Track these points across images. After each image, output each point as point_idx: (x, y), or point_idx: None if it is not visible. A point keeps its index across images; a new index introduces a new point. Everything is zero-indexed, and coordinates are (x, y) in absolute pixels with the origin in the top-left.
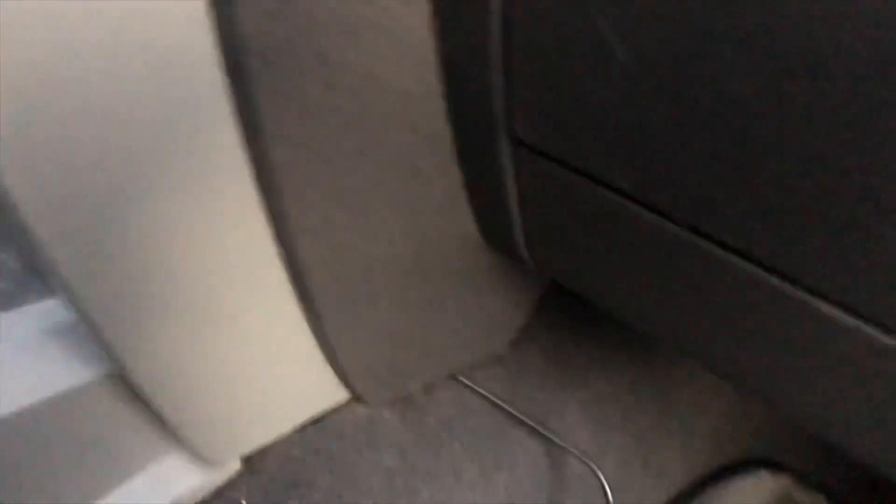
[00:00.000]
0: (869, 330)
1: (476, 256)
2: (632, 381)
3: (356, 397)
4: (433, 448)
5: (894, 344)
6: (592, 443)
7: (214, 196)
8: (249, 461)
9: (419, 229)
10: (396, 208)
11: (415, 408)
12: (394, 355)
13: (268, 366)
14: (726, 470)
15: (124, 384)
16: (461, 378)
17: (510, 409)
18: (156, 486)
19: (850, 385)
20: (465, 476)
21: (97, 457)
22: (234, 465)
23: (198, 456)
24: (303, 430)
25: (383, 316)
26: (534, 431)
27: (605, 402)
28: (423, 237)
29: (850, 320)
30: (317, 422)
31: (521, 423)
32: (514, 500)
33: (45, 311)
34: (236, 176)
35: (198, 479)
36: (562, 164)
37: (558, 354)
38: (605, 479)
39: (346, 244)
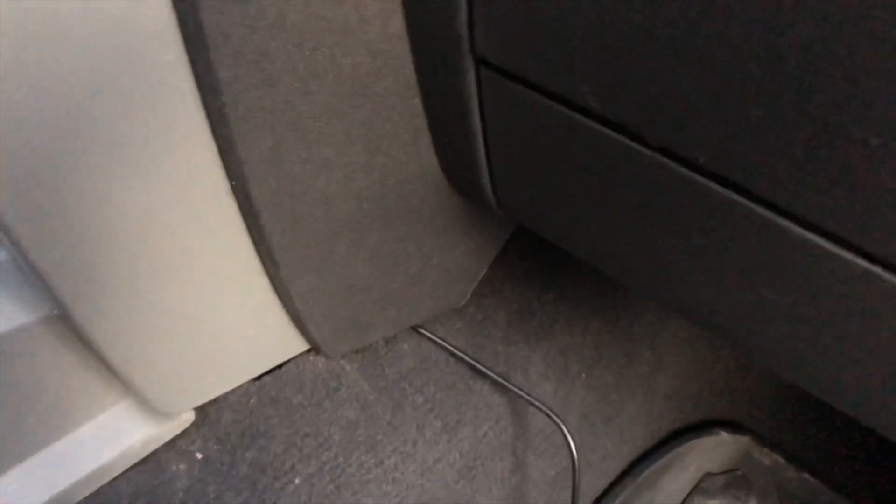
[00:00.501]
0: (847, 256)
1: (439, 199)
2: (595, 336)
3: (315, 348)
4: (395, 401)
5: (871, 269)
6: (556, 398)
7: (160, 124)
8: (204, 412)
9: (379, 164)
10: (354, 139)
11: (375, 360)
12: (353, 303)
13: (221, 312)
14: (687, 430)
15: (67, 327)
16: (422, 330)
17: (473, 362)
18: (104, 437)
19: (825, 317)
20: (428, 429)
21: (39, 405)
22: (188, 416)
23: (149, 406)
24: (259, 380)
25: (342, 260)
26: (497, 385)
27: (568, 357)
28: (382, 174)
29: (827, 245)
30: (274, 372)
31: (484, 376)
32: (477, 453)
33: None
34: (182, 101)
35: (149, 431)
36: (528, 85)
37: (521, 307)
38: (569, 434)
39: (301, 178)
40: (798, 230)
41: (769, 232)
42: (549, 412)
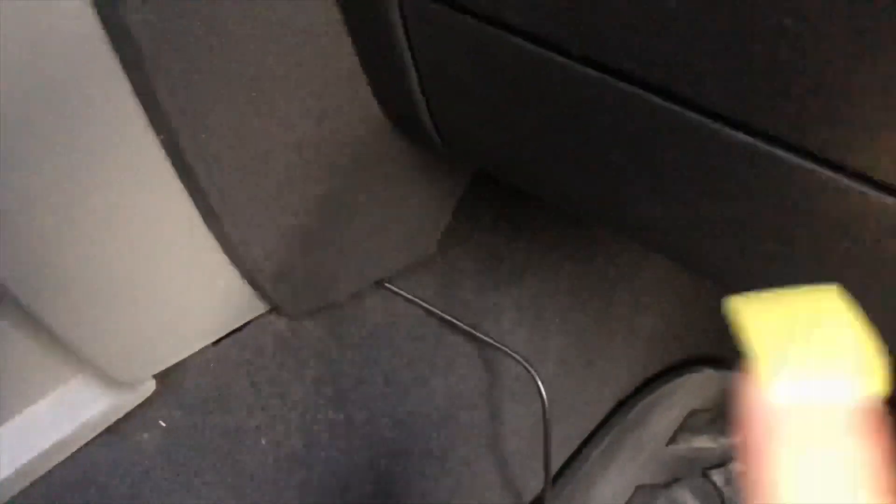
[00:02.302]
0: (780, 153)
1: (385, 145)
2: (569, 280)
3: (275, 308)
4: (362, 356)
5: (803, 164)
6: (530, 345)
7: (69, 74)
8: (165, 379)
9: (315, 110)
10: (285, 84)
11: (340, 317)
12: (311, 260)
13: (168, 275)
14: (671, 369)
15: (12, 300)
16: (389, 285)
17: (443, 315)
18: (62, 411)
19: (765, 221)
20: (398, 383)
21: None
22: (150, 385)
23: (107, 377)
24: (220, 344)
25: (290, 214)
26: (469, 336)
27: (541, 302)
28: (320, 120)
29: (759, 143)
30: (235, 335)
31: (456, 328)
32: (451, 404)
33: None
34: (91, 49)
35: (110, 402)
36: (449, 4)
37: (490, 255)
38: (546, 381)
39: (233, 128)
40: (727, 131)
41: (700, 136)
42: (520, 359)
